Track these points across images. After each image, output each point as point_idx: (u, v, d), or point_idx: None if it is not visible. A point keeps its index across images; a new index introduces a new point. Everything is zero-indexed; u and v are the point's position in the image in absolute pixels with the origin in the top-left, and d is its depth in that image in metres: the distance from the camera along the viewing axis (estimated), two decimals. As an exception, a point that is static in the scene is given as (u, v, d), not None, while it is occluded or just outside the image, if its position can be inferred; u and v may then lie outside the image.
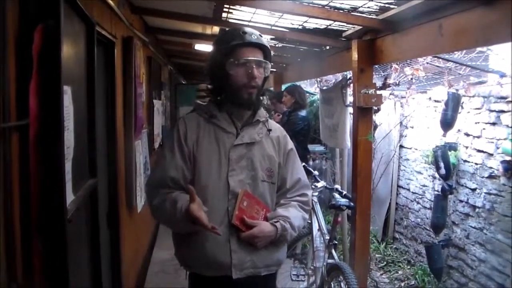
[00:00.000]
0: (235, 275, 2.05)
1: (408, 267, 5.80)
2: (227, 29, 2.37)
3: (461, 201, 4.84)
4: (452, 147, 4.87)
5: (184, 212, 1.93)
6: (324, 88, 6.23)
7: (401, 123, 6.39)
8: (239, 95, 2.09)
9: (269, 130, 2.22)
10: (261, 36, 2.13)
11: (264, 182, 2.15)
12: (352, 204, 3.67)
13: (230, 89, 2.11)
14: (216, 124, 2.14)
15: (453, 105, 4.56)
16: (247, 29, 2.13)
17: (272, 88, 7.82)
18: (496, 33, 2.31)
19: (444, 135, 4.83)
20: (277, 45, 5.31)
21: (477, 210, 4.55)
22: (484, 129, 4.52)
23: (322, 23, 3.91)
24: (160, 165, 2.15)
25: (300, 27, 4.15)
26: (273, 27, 4.29)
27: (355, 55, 3.82)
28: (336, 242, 3.73)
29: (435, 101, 5.52)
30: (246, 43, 2.07)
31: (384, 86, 4.99)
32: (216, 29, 4.93)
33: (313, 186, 4.07)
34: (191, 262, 2.12)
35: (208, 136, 2.12)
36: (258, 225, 2.05)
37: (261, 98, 2.22)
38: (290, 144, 2.31)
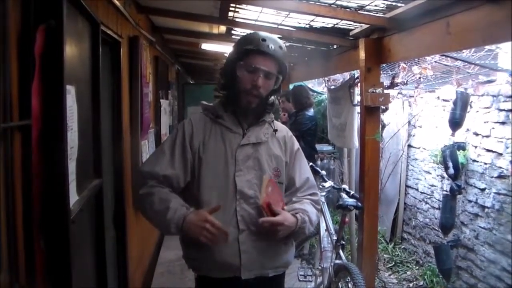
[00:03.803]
0: (244, 275, 2.03)
1: (417, 267, 5.78)
2: (252, 32, 2.33)
3: (470, 201, 4.81)
4: (461, 146, 4.84)
5: (181, 218, 1.93)
6: (332, 87, 6.20)
7: (409, 122, 6.36)
8: (240, 98, 2.08)
9: (275, 131, 2.21)
10: (281, 48, 2.07)
11: None
12: (359, 204, 3.65)
13: (234, 91, 2.10)
14: (222, 124, 2.12)
15: (461, 104, 4.53)
16: (269, 37, 2.07)
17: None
18: (504, 31, 2.28)
19: (452, 135, 4.80)
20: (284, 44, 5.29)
21: (486, 210, 4.51)
22: (493, 128, 4.49)
23: (329, 22, 3.89)
24: (156, 159, 2.11)
25: (307, 26, 4.12)
26: (279, 26, 4.27)
27: (362, 54, 3.79)
28: (343, 243, 3.70)
29: (444, 100, 5.49)
30: (261, 51, 2.02)
31: (392, 85, 4.95)
32: (223, 29, 4.92)
33: (320, 186, 4.05)
34: (200, 264, 2.11)
35: (214, 136, 2.11)
36: (282, 213, 2.02)
37: (269, 105, 2.19)
38: (297, 144, 2.30)
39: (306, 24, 4.07)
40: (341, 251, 3.64)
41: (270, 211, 2.00)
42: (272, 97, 2.20)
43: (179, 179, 2.07)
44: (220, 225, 1.90)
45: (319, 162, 7.21)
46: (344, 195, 3.77)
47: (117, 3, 2.91)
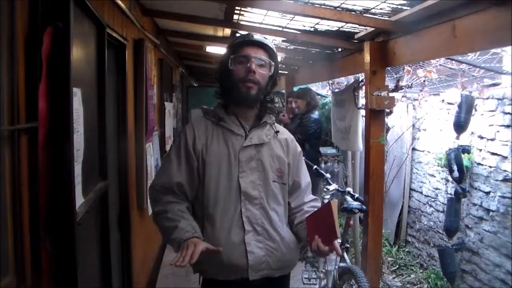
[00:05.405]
0: (252, 276, 2.04)
1: (421, 270, 5.76)
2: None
3: (474, 204, 4.79)
4: (466, 149, 4.82)
5: (183, 239, 1.93)
6: (336, 90, 6.20)
7: (413, 125, 6.35)
8: (238, 90, 2.10)
9: (277, 132, 2.23)
10: (266, 39, 2.17)
11: (275, 183, 2.15)
12: (364, 207, 3.65)
13: (231, 85, 2.12)
14: (224, 127, 2.14)
15: (466, 107, 4.51)
16: (254, 33, 2.20)
17: (284, 91, 7.80)
18: (510, 34, 2.28)
19: (457, 138, 4.78)
20: (288, 47, 5.29)
21: (491, 213, 4.50)
22: (498, 131, 4.48)
23: (334, 25, 3.88)
24: (166, 169, 2.15)
25: (312, 29, 4.12)
26: (284, 29, 4.27)
27: (367, 57, 3.78)
28: (348, 245, 3.71)
29: (448, 103, 5.48)
30: (249, 41, 2.12)
31: (397, 88, 4.94)
32: (227, 31, 4.92)
33: (325, 189, 4.05)
34: (207, 267, 2.10)
35: (217, 139, 2.12)
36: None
37: (268, 102, 2.23)
38: (299, 147, 2.34)
39: (311, 27, 4.07)
40: (345, 254, 3.64)
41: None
42: (272, 95, 2.25)
43: (190, 184, 2.10)
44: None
45: (323, 165, 7.19)
46: (348, 198, 3.76)
47: (123, 6, 2.92)
